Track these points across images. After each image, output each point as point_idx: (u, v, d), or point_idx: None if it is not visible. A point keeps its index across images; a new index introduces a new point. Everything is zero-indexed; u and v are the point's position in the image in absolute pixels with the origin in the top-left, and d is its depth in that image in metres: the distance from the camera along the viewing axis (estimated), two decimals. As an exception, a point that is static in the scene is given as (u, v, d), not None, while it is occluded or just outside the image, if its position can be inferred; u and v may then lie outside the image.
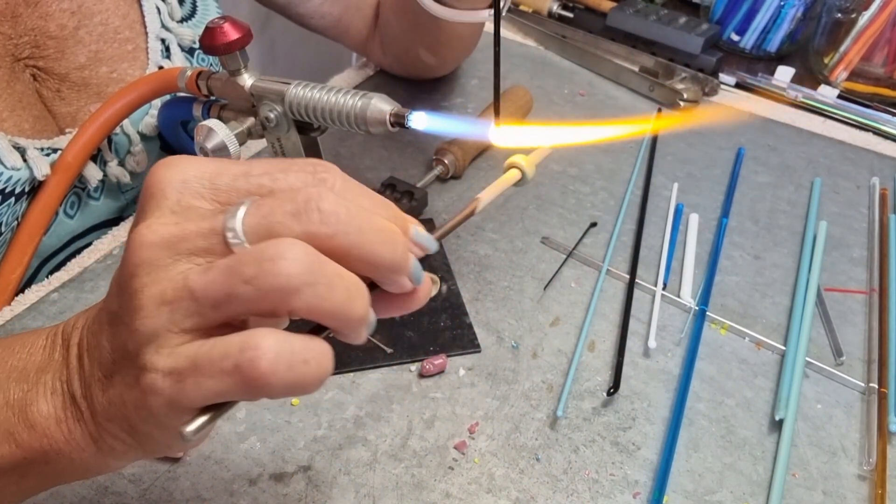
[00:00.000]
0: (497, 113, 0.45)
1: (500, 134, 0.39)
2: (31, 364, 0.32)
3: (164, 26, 0.62)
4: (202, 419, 0.27)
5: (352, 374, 0.50)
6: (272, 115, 0.46)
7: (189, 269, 0.26)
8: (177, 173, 0.28)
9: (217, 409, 0.27)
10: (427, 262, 0.57)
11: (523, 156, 0.37)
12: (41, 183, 0.54)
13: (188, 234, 0.26)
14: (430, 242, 0.30)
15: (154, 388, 0.26)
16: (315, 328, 0.28)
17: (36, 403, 0.30)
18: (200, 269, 0.26)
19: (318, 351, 0.26)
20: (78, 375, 0.30)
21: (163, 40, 0.61)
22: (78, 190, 0.59)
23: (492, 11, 0.57)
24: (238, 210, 0.26)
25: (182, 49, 0.63)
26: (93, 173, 0.58)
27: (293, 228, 0.26)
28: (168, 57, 0.62)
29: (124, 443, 0.30)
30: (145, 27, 0.61)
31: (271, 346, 0.25)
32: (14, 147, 0.52)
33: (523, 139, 0.40)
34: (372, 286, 0.29)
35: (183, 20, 0.63)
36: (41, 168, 0.53)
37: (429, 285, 0.31)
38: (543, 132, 0.40)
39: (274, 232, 0.26)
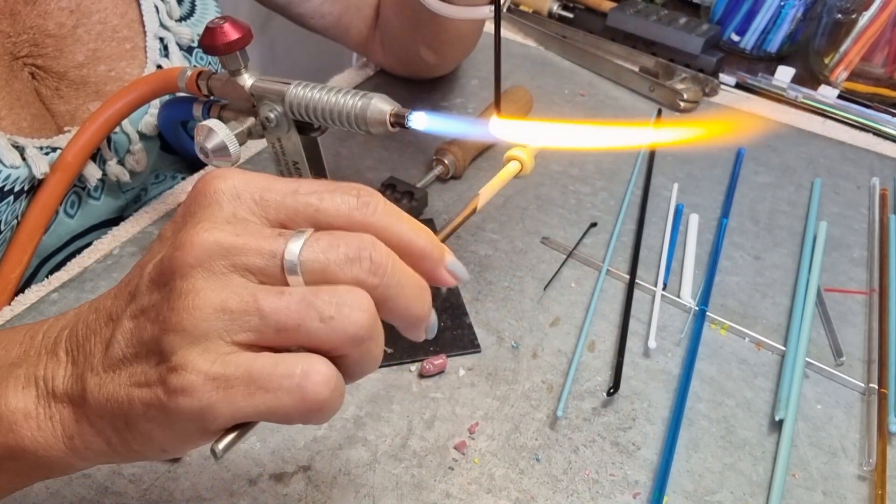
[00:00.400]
0: (497, 104, 0.45)
1: (501, 126, 0.39)
2: (5, 359, 0.32)
3: (162, 25, 0.62)
4: (231, 436, 0.27)
5: (352, 374, 0.50)
6: (272, 116, 0.46)
7: (256, 287, 0.27)
8: (231, 186, 0.29)
9: (242, 427, 0.27)
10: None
11: (522, 147, 0.37)
12: (41, 182, 0.54)
13: (247, 249, 0.27)
14: (463, 273, 0.32)
15: (190, 389, 0.26)
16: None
17: (4, 397, 0.30)
18: (272, 291, 0.27)
19: (344, 385, 0.28)
20: (65, 370, 0.30)
21: (161, 39, 0.61)
22: (78, 189, 0.59)
23: (492, 8, 0.57)
24: (299, 239, 0.27)
25: (180, 48, 0.63)
26: (92, 172, 0.58)
27: (346, 272, 0.27)
28: (166, 56, 0.62)
29: (106, 441, 0.29)
30: (144, 26, 0.61)
31: (331, 376, 0.27)
32: (13, 146, 0.52)
33: (523, 134, 0.40)
34: None
35: (181, 19, 0.63)
36: (40, 166, 0.53)
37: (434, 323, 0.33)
38: (543, 128, 0.40)
39: (328, 271, 0.27)
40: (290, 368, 0.26)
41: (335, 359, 0.28)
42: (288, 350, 0.27)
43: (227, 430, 0.27)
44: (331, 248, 0.27)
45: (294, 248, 0.27)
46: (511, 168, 0.37)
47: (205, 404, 0.26)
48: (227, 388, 0.26)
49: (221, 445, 0.27)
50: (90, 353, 0.29)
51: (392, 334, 0.51)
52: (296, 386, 0.26)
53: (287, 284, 0.27)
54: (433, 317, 0.31)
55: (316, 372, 0.26)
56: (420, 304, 0.29)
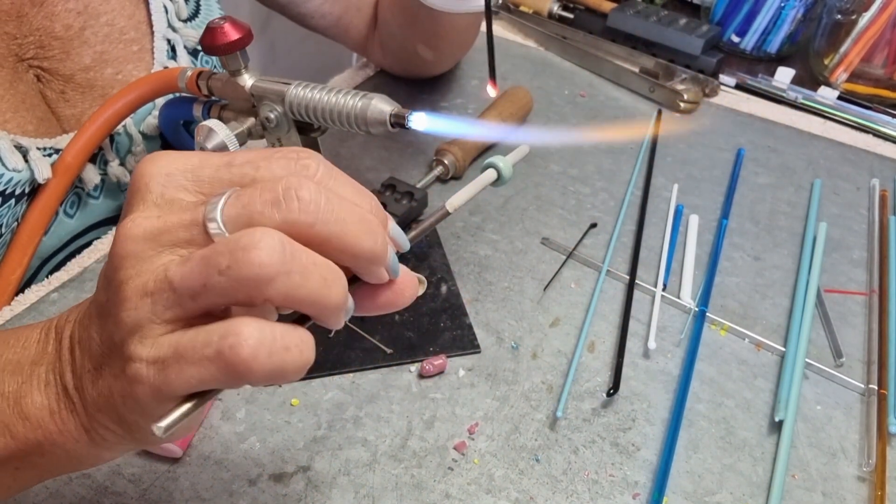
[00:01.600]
0: (492, 73, 0.46)
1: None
2: (26, 357, 0.32)
3: (170, 26, 0.61)
4: (177, 412, 0.27)
5: (352, 374, 0.50)
6: (272, 116, 0.46)
7: (170, 261, 0.27)
8: (161, 167, 0.28)
9: (196, 398, 0.27)
10: (428, 261, 0.57)
11: (501, 157, 0.37)
12: (41, 184, 0.54)
13: (170, 226, 0.27)
14: (403, 240, 0.31)
15: (139, 378, 0.26)
16: (298, 318, 0.28)
17: (30, 395, 0.31)
18: (179, 261, 0.26)
19: (299, 339, 0.26)
20: (70, 368, 0.31)
21: (169, 40, 0.61)
22: (78, 189, 0.59)
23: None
24: (219, 200, 0.26)
25: (187, 51, 0.63)
26: (91, 176, 0.58)
27: (273, 217, 0.26)
28: (174, 58, 0.62)
29: (115, 433, 0.30)
30: (151, 27, 0.60)
31: (252, 333, 0.25)
32: (16, 147, 0.52)
33: (450, 127, 0.40)
34: (353, 280, 0.29)
35: (187, 20, 0.63)
36: (43, 171, 0.53)
37: (415, 285, 0.32)
38: (466, 124, 0.40)
39: (254, 221, 0.26)
40: (207, 336, 0.25)
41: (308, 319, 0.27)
42: (229, 316, 0.27)
43: (182, 401, 0.27)
44: (252, 198, 0.26)
45: (215, 209, 0.26)
46: (486, 175, 0.37)
47: (152, 388, 0.26)
48: (164, 368, 0.26)
49: (160, 424, 0.26)
50: (84, 351, 0.30)
51: (392, 335, 0.51)
52: (215, 353, 0.25)
53: None
54: (392, 255, 0.29)
55: (234, 333, 0.25)
56: (369, 237, 0.27)
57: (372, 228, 0.28)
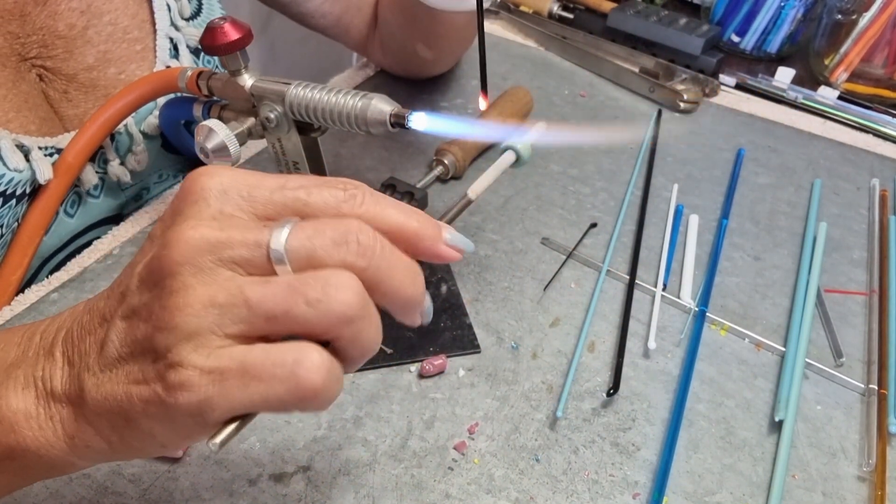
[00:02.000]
0: (484, 85, 0.46)
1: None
2: (3, 361, 0.32)
3: (173, 24, 0.61)
4: (229, 429, 0.27)
5: (352, 374, 0.50)
6: (272, 116, 0.46)
7: (241, 278, 0.27)
8: (218, 183, 0.29)
9: (241, 419, 0.28)
10: (427, 262, 0.57)
11: (518, 139, 0.37)
12: (42, 184, 0.54)
13: (233, 242, 0.27)
14: (466, 244, 0.32)
15: (188, 385, 0.26)
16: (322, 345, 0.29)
17: (5, 398, 0.30)
18: (258, 281, 0.27)
19: (341, 371, 0.28)
20: (62, 371, 0.30)
21: (171, 39, 0.61)
22: (78, 189, 0.59)
23: None
24: (283, 228, 0.27)
25: (189, 50, 0.63)
26: (89, 177, 0.58)
27: (333, 256, 0.27)
28: (176, 57, 0.62)
29: (105, 440, 0.30)
30: (154, 26, 0.60)
31: (323, 362, 0.27)
32: (18, 147, 0.52)
33: (450, 127, 0.40)
34: None
35: (189, 19, 0.63)
36: (44, 172, 0.53)
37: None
38: (465, 123, 0.40)
39: (315, 256, 0.27)
40: (281, 357, 0.26)
41: (332, 346, 0.28)
42: (283, 340, 0.28)
43: (225, 423, 0.28)
44: (316, 233, 0.27)
45: (279, 236, 0.27)
46: (505, 158, 0.37)
47: (203, 398, 0.26)
48: (223, 380, 0.26)
49: (219, 439, 0.27)
50: (85, 353, 0.30)
51: (392, 335, 0.51)
52: (289, 373, 0.26)
53: (275, 274, 0.27)
54: (428, 301, 0.31)
55: (308, 358, 0.26)
56: (412, 286, 0.29)
57: (416, 278, 0.29)
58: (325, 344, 0.28)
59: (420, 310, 0.30)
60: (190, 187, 0.29)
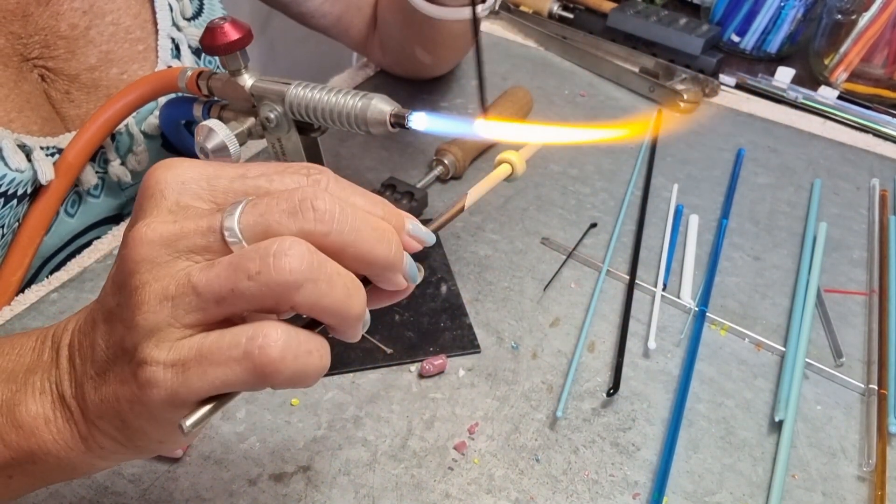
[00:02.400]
0: (483, 104, 0.45)
1: (486, 127, 0.39)
2: (20, 365, 0.32)
3: (175, 24, 0.61)
4: (201, 411, 0.27)
5: (352, 374, 0.50)
6: (272, 116, 0.46)
7: (191, 266, 0.27)
8: (176, 175, 0.28)
9: (216, 400, 0.27)
10: (427, 262, 0.57)
11: (513, 151, 0.37)
12: (43, 184, 0.54)
13: (186, 232, 0.27)
14: (427, 235, 0.31)
15: (154, 381, 0.26)
16: (308, 325, 0.28)
17: (24, 404, 0.30)
18: (203, 266, 0.26)
19: (319, 343, 0.27)
20: (68, 376, 0.30)
21: (173, 39, 0.61)
22: (78, 188, 0.59)
23: (483, 6, 0.56)
24: (235, 209, 0.27)
25: (191, 50, 0.63)
26: (89, 178, 0.58)
27: (289, 227, 0.26)
28: (178, 57, 0.62)
29: (114, 440, 0.30)
30: (156, 26, 0.60)
31: (280, 336, 0.26)
32: (20, 147, 0.52)
33: (507, 134, 0.40)
34: (363, 283, 0.30)
35: (190, 19, 0.63)
36: (46, 172, 0.53)
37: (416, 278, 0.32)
38: (529, 130, 0.40)
39: (271, 230, 0.26)
40: (235, 338, 0.26)
41: (319, 325, 0.28)
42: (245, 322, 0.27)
43: (201, 404, 0.27)
44: (269, 207, 0.27)
45: (232, 216, 0.27)
46: (501, 170, 0.37)
47: (169, 392, 0.26)
48: (184, 370, 0.26)
49: (190, 421, 0.27)
50: (84, 357, 0.30)
51: (392, 335, 0.51)
52: (243, 354, 0.26)
53: None
54: (408, 260, 0.30)
55: (262, 335, 0.26)
56: (383, 245, 0.28)
57: (386, 236, 0.28)
58: (317, 324, 0.28)
59: (401, 271, 0.29)
60: (147, 181, 0.29)
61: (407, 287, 0.31)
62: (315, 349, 0.27)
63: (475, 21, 0.46)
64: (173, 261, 0.27)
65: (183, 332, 0.27)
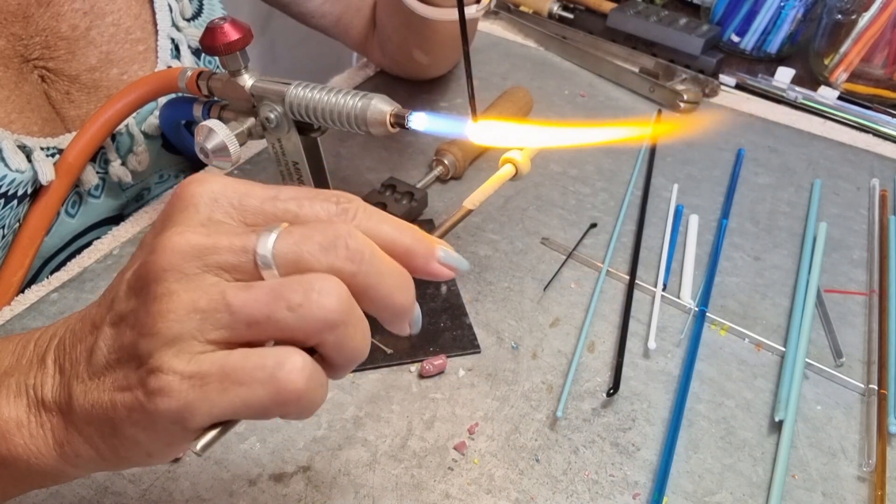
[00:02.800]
0: (473, 109, 0.45)
1: (478, 130, 0.39)
2: None
3: (174, 25, 0.61)
4: (211, 434, 0.27)
5: (352, 374, 0.50)
6: (272, 116, 0.46)
7: (226, 284, 0.27)
8: (208, 190, 0.29)
9: (223, 425, 0.27)
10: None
11: (518, 151, 0.37)
12: (43, 184, 0.54)
13: (219, 248, 0.27)
14: (460, 263, 0.31)
15: (167, 390, 0.26)
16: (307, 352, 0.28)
17: None
18: (241, 286, 0.27)
19: (325, 378, 0.28)
20: (53, 379, 0.30)
21: (172, 39, 0.61)
22: (79, 189, 0.59)
23: (479, 6, 0.56)
24: (270, 233, 0.27)
25: (191, 50, 0.63)
26: (90, 178, 0.58)
27: (321, 261, 0.27)
28: (177, 57, 0.62)
29: (94, 448, 0.29)
30: (156, 26, 0.60)
31: (305, 365, 0.26)
32: (20, 147, 0.52)
33: (503, 137, 0.39)
34: None
35: (190, 19, 0.63)
36: (46, 173, 0.53)
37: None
38: (525, 131, 0.39)
39: (303, 261, 0.27)
40: (262, 360, 0.26)
41: (317, 354, 0.28)
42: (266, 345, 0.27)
43: (208, 428, 0.27)
44: (304, 238, 0.27)
45: (266, 241, 0.27)
46: (505, 171, 0.37)
47: (182, 404, 0.26)
48: (203, 385, 0.26)
49: (201, 443, 0.27)
50: (76, 360, 0.30)
51: (392, 335, 0.51)
52: (269, 377, 0.26)
53: (262, 279, 0.27)
54: (417, 310, 0.30)
55: (289, 361, 0.26)
56: (402, 294, 0.29)
57: (406, 285, 0.29)
58: (312, 352, 0.28)
59: (409, 319, 0.30)
60: (180, 194, 0.29)
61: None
62: (324, 382, 0.27)
63: (462, 21, 0.45)
64: (202, 274, 0.27)
65: (204, 347, 0.26)
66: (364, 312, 0.28)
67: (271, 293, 0.26)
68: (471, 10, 0.57)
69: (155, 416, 0.27)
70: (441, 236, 0.33)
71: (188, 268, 0.27)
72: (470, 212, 0.35)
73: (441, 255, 0.30)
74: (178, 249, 0.27)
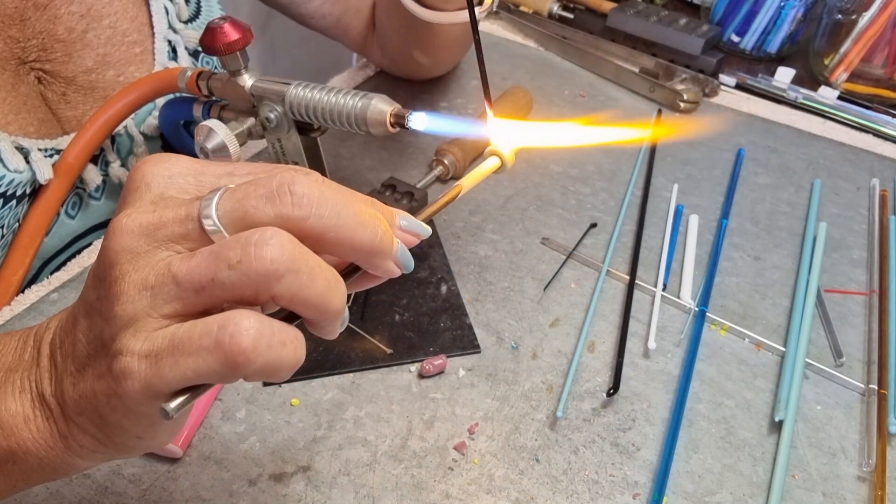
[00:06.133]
0: (488, 101, 0.46)
1: (497, 127, 0.39)
2: (1, 365, 0.32)
3: (171, 27, 0.61)
4: (182, 397, 0.26)
5: (352, 374, 0.50)
6: (272, 116, 0.46)
7: (171, 256, 0.26)
8: (163, 169, 0.28)
9: (193, 390, 0.27)
10: (428, 262, 0.57)
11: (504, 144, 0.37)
12: (42, 184, 0.54)
13: (165, 221, 0.27)
14: (421, 228, 0.31)
15: (128, 372, 0.26)
16: (286, 318, 0.28)
17: (4, 402, 0.30)
18: (184, 256, 0.26)
19: (294, 335, 0.27)
20: (49, 374, 0.30)
21: (169, 41, 0.61)
22: (79, 190, 0.59)
23: (481, 9, 0.56)
24: (213, 196, 0.27)
25: (188, 52, 0.63)
26: (92, 177, 0.58)
27: (267, 212, 0.26)
28: (174, 59, 0.62)
29: (94, 438, 0.30)
30: (153, 28, 0.60)
31: (252, 325, 0.25)
32: (17, 149, 0.52)
33: (520, 137, 0.39)
34: (352, 271, 0.29)
35: (188, 21, 0.63)
36: (44, 172, 0.53)
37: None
38: (541, 130, 0.40)
39: (248, 216, 0.26)
40: (206, 327, 0.25)
41: (297, 318, 0.27)
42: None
43: (178, 392, 0.27)
44: (247, 193, 0.26)
45: (210, 203, 0.26)
46: (492, 162, 0.37)
47: (143, 382, 0.26)
48: (157, 361, 0.26)
49: (171, 405, 0.26)
50: (65, 355, 0.30)
51: (392, 335, 0.51)
52: (214, 343, 0.25)
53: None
54: (399, 247, 0.29)
55: (232, 322, 0.25)
56: (367, 231, 0.27)
57: (368, 221, 0.28)
58: (294, 317, 0.27)
59: (391, 256, 0.29)
60: (134, 174, 0.29)
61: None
62: (289, 340, 0.26)
63: (474, 21, 0.45)
64: (153, 251, 0.27)
65: (160, 323, 0.26)
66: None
67: (210, 255, 0.26)
68: (466, 15, 0.57)
69: (125, 399, 0.27)
70: (428, 217, 0.33)
71: (138, 247, 0.27)
72: (455, 197, 0.34)
73: (402, 223, 0.30)
74: (126, 230, 0.27)
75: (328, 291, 0.27)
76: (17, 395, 0.30)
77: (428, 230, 0.31)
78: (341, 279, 0.27)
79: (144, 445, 0.31)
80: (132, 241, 0.27)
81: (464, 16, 0.58)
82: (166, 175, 0.28)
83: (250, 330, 0.25)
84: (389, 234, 0.29)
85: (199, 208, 0.26)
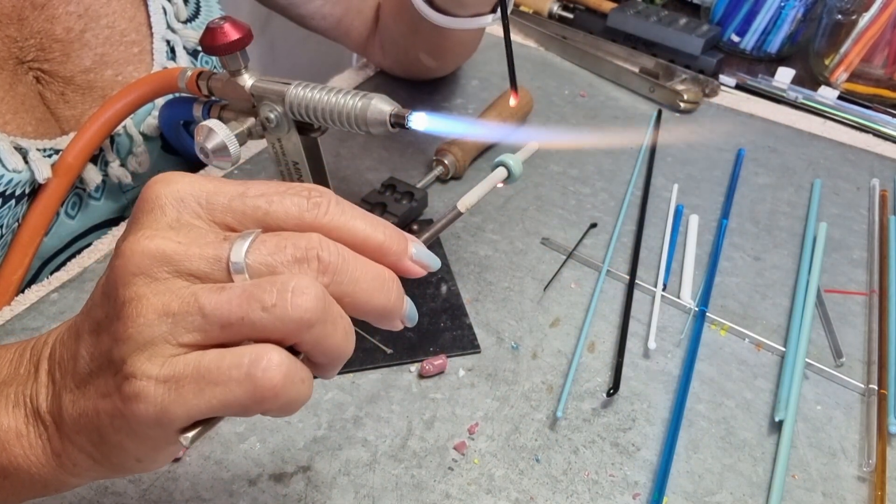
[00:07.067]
0: (513, 84, 0.47)
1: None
2: None
3: (169, 27, 0.61)
4: (198, 428, 0.27)
5: (352, 374, 0.50)
6: (272, 116, 0.46)
7: (198, 287, 0.27)
8: (174, 191, 0.28)
9: (207, 422, 0.27)
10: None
11: (510, 154, 0.37)
12: (42, 184, 0.54)
13: (191, 256, 0.27)
14: (431, 260, 0.31)
15: (143, 395, 0.26)
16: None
17: None
18: (213, 288, 0.26)
19: (308, 373, 0.28)
20: (46, 389, 0.30)
21: (168, 42, 0.61)
22: (79, 190, 0.59)
23: (495, 16, 0.57)
24: (243, 244, 0.27)
25: (187, 51, 0.63)
26: (92, 176, 0.58)
27: (293, 272, 0.27)
28: (173, 59, 0.62)
29: (89, 457, 0.29)
30: (151, 28, 0.60)
31: (283, 361, 0.26)
32: (16, 148, 0.52)
33: (449, 128, 0.40)
34: None
35: (186, 21, 0.63)
36: (43, 171, 0.53)
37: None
38: (468, 125, 0.40)
39: (276, 273, 0.27)
40: (237, 359, 0.26)
41: (302, 355, 0.28)
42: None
43: (193, 424, 0.27)
44: (277, 250, 0.27)
45: (239, 251, 0.27)
46: (497, 174, 0.37)
47: (159, 407, 0.26)
48: (178, 387, 0.26)
49: (189, 434, 0.27)
50: (65, 370, 0.30)
51: (392, 335, 0.51)
52: (244, 375, 0.25)
53: (233, 282, 0.27)
54: (408, 305, 0.30)
55: (264, 357, 0.26)
56: (381, 295, 0.29)
57: (385, 286, 0.29)
58: (297, 353, 0.28)
59: (399, 317, 0.30)
60: (145, 195, 0.28)
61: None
62: (306, 378, 0.27)
63: (504, 16, 0.46)
64: (172, 279, 0.27)
65: (177, 350, 0.26)
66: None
67: (244, 294, 0.26)
68: (486, 20, 0.58)
69: (133, 421, 0.27)
70: (430, 238, 0.33)
71: (157, 273, 0.27)
72: (460, 214, 0.34)
73: (413, 253, 0.30)
74: (146, 253, 0.27)
75: (345, 341, 0.28)
76: (10, 409, 0.30)
77: (438, 263, 0.31)
78: (353, 328, 0.28)
79: (141, 468, 0.30)
80: (151, 265, 0.27)
81: (478, 21, 0.58)
82: (177, 197, 0.28)
83: (281, 366, 0.26)
84: (401, 295, 0.30)
85: (228, 252, 0.27)
